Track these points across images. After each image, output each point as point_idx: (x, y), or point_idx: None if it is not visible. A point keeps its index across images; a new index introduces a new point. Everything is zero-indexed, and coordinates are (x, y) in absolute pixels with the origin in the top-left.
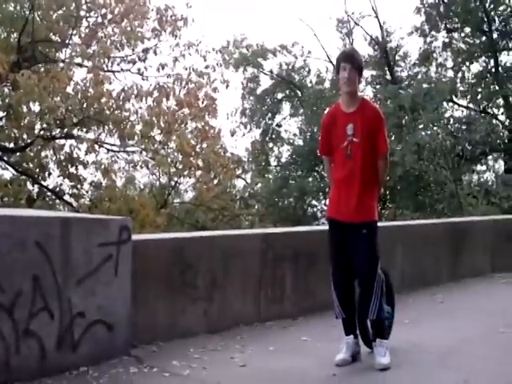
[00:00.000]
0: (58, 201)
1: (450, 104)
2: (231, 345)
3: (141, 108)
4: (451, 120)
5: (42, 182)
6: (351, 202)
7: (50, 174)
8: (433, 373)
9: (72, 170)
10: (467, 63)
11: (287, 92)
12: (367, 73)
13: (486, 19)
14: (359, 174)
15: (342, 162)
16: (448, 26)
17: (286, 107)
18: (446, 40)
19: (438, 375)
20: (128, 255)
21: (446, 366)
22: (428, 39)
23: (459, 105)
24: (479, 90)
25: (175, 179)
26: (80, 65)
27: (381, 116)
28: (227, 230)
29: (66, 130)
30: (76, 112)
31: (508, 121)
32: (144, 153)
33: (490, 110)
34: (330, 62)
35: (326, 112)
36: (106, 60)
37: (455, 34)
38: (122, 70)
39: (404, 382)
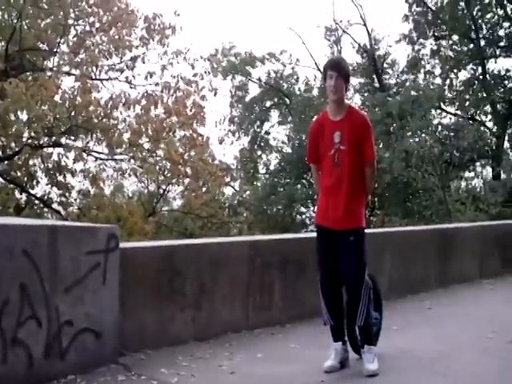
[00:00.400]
0: (46, 209)
1: (438, 111)
2: (220, 352)
3: (129, 116)
4: (439, 127)
5: (30, 191)
6: (339, 209)
7: (38, 182)
8: (421, 379)
9: (60, 178)
10: (455, 70)
11: (275, 100)
12: (355, 80)
13: (473, 27)
14: (347, 182)
15: (329, 170)
16: (436, 33)
17: (275, 115)
18: (434, 47)
19: (426, 381)
20: (116, 263)
21: (434, 372)
22: (416, 47)
23: (447, 112)
24: (467, 97)
25: (163, 187)
26: (68, 73)
27: (368, 123)
28: (215, 238)
29: (53, 138)
30: (64, 120)
31: (496, 127)
32: (132, 161)
33: (477, 117)
34: (319, 69)
35: (313, 120)
36: (94, 68)
37: (443, 42)
38: (109, 78)
39: None
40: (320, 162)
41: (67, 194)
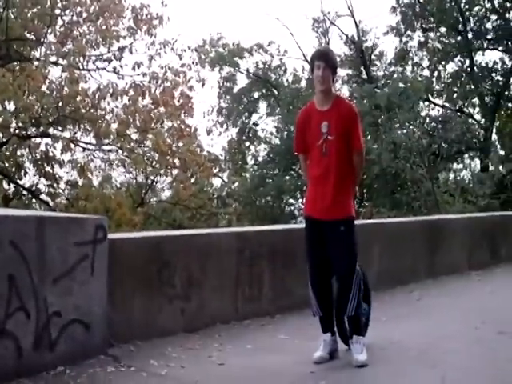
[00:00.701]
0: (34, 200)
1: (426, 103)
2: (209, 343)
3: (116, 107)
4: (427, 119)
5: (18, 181)
6: (328, 199)
7: (25, 172)
8: (410, 370)
9: (48, 168)
10: (443, 62)
11: (264, 91)
12: (343, 72)
13: (461, 19)
14: (334, 171)
15: (317, 160)
16: (424, 25)
17: (263, 106)
18: (422, 39)
19: (414, 372)
20: (104, 254)
21: (422, 362)
22: (404, 39)
23: (435, 104)
24: (455, 89)
25: (152, 178)
26: (55, 63)
27: (355, 113)
28: (204, 229)
29: (41, 128)
30: (51, 111)
31: (483, 120)
32: (120, 151)
33: (465, 109)
34: (306, 61)
35: (300, 111)
36: (82, 58)
37: (431, 34)
38: (97, 68)
39: (381, 379)
40: (308, 152)
41: (55, 185)
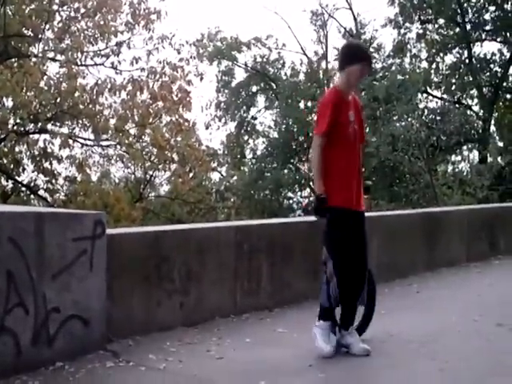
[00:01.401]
0: (32, 196)
1: (425, 95)
2: (208, 337)
3: (115, 102)
4: (425, 111)
5: (17, 178)
6: (360, 189)
7: (24, 169)
8: (409, 362)
9: (46, 164)
10: (441, 54)
11: (262, 85)
12: None
13: (459, 10)
14: (359, 161)
15: (349, 148)
16: (422, 17)
17: (261, 100)
18: (420, 31)
19: (414, 364)
20: (103, 249)
21: (421, 355)
22: (402, 31)
23: (433, 96)
24: (453, 80)
25: (150, 173)
26: (53, 59)
27: (362, 107)
28: (202, 223)
29: (39, 124)
30: (49, 107)
31: (482, 111)
32: (118, 147)
33: (464, 101)
34: (305, 54)
35: (332, 91)
36: (80, 54)
37: (429, 26)
38: (95, 63)
39: (380, 372)
40: (334, 136)
41: (54, 181)
